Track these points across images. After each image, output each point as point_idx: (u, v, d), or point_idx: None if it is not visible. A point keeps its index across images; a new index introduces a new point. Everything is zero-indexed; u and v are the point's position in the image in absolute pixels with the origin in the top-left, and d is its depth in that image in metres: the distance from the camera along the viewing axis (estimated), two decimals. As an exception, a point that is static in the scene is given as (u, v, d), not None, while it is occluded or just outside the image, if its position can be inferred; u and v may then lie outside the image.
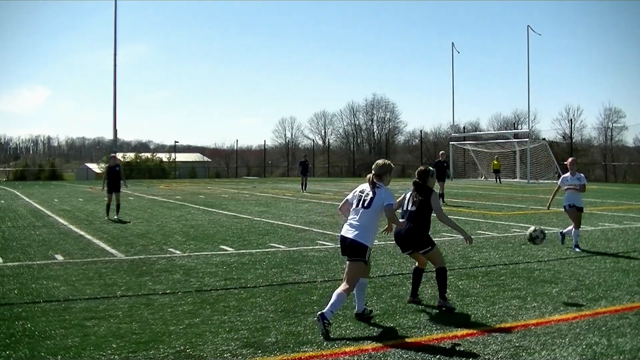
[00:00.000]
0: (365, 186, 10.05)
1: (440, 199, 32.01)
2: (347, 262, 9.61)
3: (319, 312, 8.95)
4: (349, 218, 9.92)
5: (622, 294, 11.51)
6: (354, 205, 9.91)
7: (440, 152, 36.82)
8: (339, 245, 10.04)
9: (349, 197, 10.14)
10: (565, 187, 17.49)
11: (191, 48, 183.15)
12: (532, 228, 13.72)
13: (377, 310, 10.17)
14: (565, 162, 18.33)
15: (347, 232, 9.70)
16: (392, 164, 10.38)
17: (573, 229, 16.99)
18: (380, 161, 10.30)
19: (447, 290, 10.64)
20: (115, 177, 25.48)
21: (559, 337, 8.77)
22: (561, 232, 17.69)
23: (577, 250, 16.54)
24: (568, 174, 17.61)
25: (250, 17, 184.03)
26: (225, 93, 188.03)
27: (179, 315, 9.85)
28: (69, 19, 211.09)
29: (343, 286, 9.40)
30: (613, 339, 8.65)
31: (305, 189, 44.86)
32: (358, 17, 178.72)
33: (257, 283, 12.35)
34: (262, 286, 12.07)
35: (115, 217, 24.73)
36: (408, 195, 10.82)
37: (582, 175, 17.62)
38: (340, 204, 10.33)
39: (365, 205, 9.77)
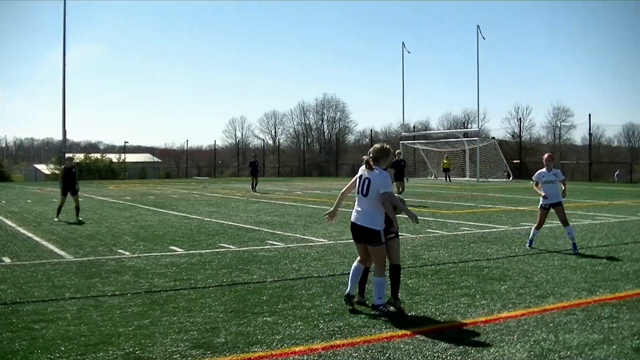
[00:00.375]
0: (363, 170, 10.45)
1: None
2: (369, 247, 10.23)
3: (372, 304, 10.17)
4: (355, 204, 10.42)
5: (569, 291, 11.64)
6: (357, 192, 10.44)
7: (397, 151, 36.78)
8: (350, 231, 10.59)
9: (350, 183, 10.85)
10: (542, 183, 16.99)
11: (141, 48, 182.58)
12: None
13: (326, 310, 10.18)
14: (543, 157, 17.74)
15: (356, 219, 10.31)
16: (390, 149, 10.65)
17: (564, 227, 16.70)
18: (377, 145, 10.61)
19: (404, 288, 10.67)
20: (71, 178, 25.27)
21: (507, 334, 8.84)
22: (530, 241, 17.06)
23: (576, 250, 16.12)
24: (544, 169, 17.16)
25: (200, 17, 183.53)
26: (175, 93, 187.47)
27: (128, 316, 9.78)
28: (18, 18, 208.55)
29: (375, 272, 10.23)
30: (561, 335, 8.75)
31: (255, 189, 44.62)
32: (308, 16, 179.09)
33: (207, 283, 12.31)
34: (211, 287, 12.03)
35: (79, 219, 24.58)
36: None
37: (558, 170, 17.36)
38: (343, 189, 10.94)
39: (364, 193, 10.24)
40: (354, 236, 10.46)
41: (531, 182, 17.91)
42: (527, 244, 16.92)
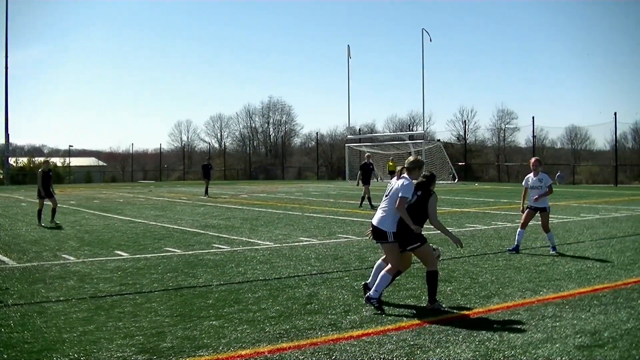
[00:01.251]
0: (394, 181, 11.12)
1: (367, 202, 31.96)
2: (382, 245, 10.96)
3: (366, 295, 10.57)
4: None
5: (514, 291, 11.77)
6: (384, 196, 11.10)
7: (366, 154, 36.68)
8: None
9: None
10: (529, 188, 17.01)
11: (85, 51, 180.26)
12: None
13: (273, 313, 10.18)
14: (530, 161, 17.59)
15: (374, 219, 10.98)
16: (423, 161, 11.46)
17: (546, 234, 16.76)
18: (411, 157, 11.39)
19: (350, 290, 10.72)
20: (48, 181, 25.10)
21: (453, 334, 8.93)
22: (516, 247, 16.63)
23: (553, 252, 16.20)
24: (531, 174, 17.01)
25: (143, 19, 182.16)
26: (120, 96, 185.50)
27: (73, 322, 9.70)
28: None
29: (387, 268, 10.67)
30: (505, 335, 8.85)
31: (207, 193, 43.49)
32: (254, 18, 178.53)
33: (153, 288, 12.25)
34: (157, 291, 11.98)
35: (55, 222, 24.55)
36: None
37: (545, 175, 17.01)
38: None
39: (387, 194, 10.93)
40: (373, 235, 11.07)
41: (476, 185, 18.13)
42: (511, 248, 16.63)
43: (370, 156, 35.29)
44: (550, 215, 17.05)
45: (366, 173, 33.03)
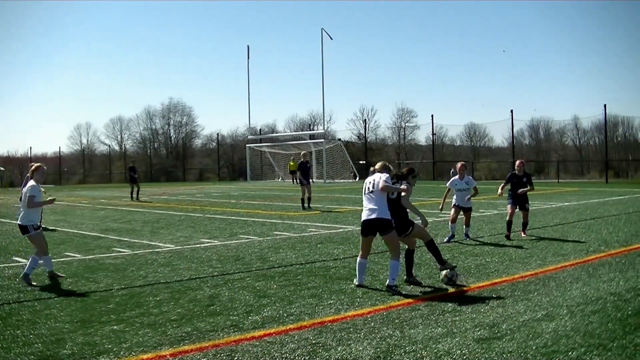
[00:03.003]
0: (369, 178, 12.22)
1: (307, 203, 31.12)
2: (382, 238, 12.10)
3: (387, 285, 11.67)
4: (364, 206, 12.08)
5: (414, 287, 11.96)
6: (364, 194, 12.13)
7: (302, 152, 36.15)
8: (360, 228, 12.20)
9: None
10: (456, 190, 18.73)
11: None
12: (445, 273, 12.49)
13: (174, 316, 10.13)
14: (455, 165, 19.28)
15: (371, 215, 11.87)
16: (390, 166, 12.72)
17: (464, 226, 18.65)
18: (379, 163, 12.63)
19: (251, 291, 10.72)
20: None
21: (354, 332, 9.00)
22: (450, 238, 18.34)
23: (468, 238, 18.38)
24: (457, 177, 18.66)
25: (39, 19, 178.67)
26: (16, 98, 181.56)
27: (-31, 331, 9.49)
28: None
29: (392, 257, 11.87)
30: (406, 331, 8.97)
31: (137, 197, 41.55)
32: (153, 18, 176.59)
33: (52, 294, 12.06)
34: (57, 297, 11.80)
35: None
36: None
37: (470, 178, 18.80)
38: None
39: (371, 190, 11.98)
40: (366, 231, 12.07)
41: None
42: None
43: (307, 154, 34.60)
44: (450, 212, 17.78)
45: (304, 172, 32.07)
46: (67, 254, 16.98)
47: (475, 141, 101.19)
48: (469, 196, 18.61)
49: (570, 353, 7.75)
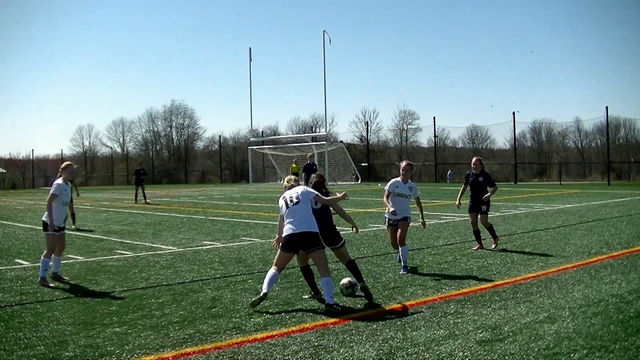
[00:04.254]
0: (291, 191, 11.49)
1: None
2: (309, 254, 11.14)
3: (325, 304, 10.55)
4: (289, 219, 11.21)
5: (416, 289, 11.93)
6: (287, 206, 11.33)
7: (309, 154, 35.87)
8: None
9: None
10: (394, 194, 14.67)
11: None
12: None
13: (176, 318, 10.13)
14: (399, 164, 15.36)
15: (306, 227, 11.08)
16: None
17: (400, 246, 14.25)
18: (315, 175, 12.69)
19: (254, 293, 10.73)
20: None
21: (357, 334, 9.00)
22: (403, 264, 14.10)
23: (403, 272, 13.77)
24: (399, 178, 14.83)
25: (41, 21, 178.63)
26: (19, 100, 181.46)
27: (-29, 334, 9.49)
28: None
29: (322, 275, 10.82)
30: (408, 333, 8.97)
31: (141, 199, 40.85)
32: (156, 21, 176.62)
33: (54, 296, 12.07)
34: (59, 299, 11.80)
35: (73, 226, 24.52)
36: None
37: (414, 185, 14.94)
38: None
39: (296, 202, 11.26)
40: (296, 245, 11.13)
41: (379, 185, 17.88)
42: (402, 270, 13.87)
43: (312, 156, 34.25)
44: (452, 214, 17.16)
45: (310, 174, 30.37)
46: (69, 256, 16.96)
47: (477, 143, 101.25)
48: (403, 205, 14.58)
49: (572, 355, 7.75)
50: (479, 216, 17.12)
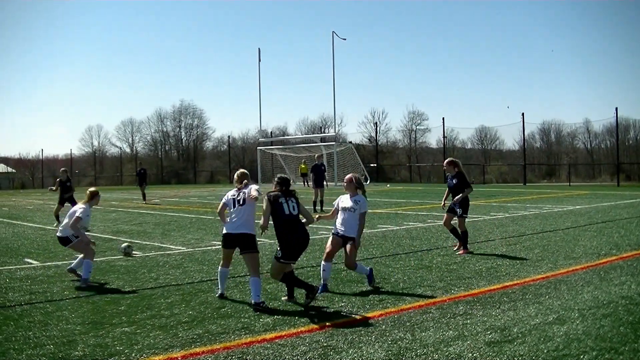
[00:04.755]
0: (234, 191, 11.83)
1: (319, 206, 30.57)
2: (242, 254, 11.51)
3: (253, 303, 10.76)
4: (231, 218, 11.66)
5: (425, 290, 11.92)
6: (234, 206, 11.66)
7: (317, 155, 35.80)
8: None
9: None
10: (340, 208, 12.77)
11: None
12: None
13: (185, 318, 10.14)
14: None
15: (240, 227, 11.52)
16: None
17: (352, 269, 12.49)
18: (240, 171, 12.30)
19: (263, 293, 10.76)
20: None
21: (365, 334, 8.99)
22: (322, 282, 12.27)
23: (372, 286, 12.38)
24: (346, 195, 12.88)
25: (51, 20, 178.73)
26: (28, 100, 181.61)
27: (-19, 333, 9.51)
28: None
29: (252, 274, 11.16)
30: (417, 334, 8.95)
31: (150, 199, 41.71)
32: (164, 21, 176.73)
33: (64, 296, 12.09)
34: (68, 299, 11.82)
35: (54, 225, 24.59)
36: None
37: (363, 199, 12.70)
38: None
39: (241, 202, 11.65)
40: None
41: (388, 186, 17.84)
42: (319, 289, 11.80)
43: (321, 157, 34.18)
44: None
45: (318, 175, 31.67)
46: (78, 256, 16.92)
47: (486, 144, 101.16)
48: (347, 223, 12.48)
49: (581, 357, 7.73)
50: (455, 218, 17.02)
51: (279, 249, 11.11)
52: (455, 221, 17.01)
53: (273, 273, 11.36)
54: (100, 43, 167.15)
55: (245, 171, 12.19)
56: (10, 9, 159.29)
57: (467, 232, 16.85)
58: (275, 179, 11.95)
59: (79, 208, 13.71)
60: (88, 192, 14.29)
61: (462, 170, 17.04)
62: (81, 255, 13.66)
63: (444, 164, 17.45)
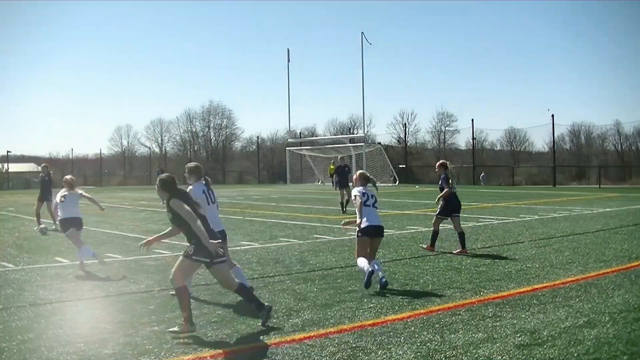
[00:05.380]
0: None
1: (346, 207, 30.18)
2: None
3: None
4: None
5: (454, 292, 11.87)
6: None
7: (340, 156, 36.03)
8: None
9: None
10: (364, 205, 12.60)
11: (21, 52, 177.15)
12: None
13: (214, 317, 10.16)
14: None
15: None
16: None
17: (370, 261, 12.30)
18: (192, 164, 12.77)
19: (291, 294, 10.74)
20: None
21: (394, 336, 8.98)
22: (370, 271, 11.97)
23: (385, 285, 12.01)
24: (361, 187, 12.94)
25: (82, 23, 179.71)
26: (59, 100, 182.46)
27: (12, 331, 9.56)
28: None
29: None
30: (446, 336, 8.93)
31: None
32: (192, 21, 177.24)
33: (94, 294, 12.16)
34: (98, 297, 11.89)
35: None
36: None
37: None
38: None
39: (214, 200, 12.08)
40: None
41: (417, 187, 17.88)
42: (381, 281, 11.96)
43: (344, 158, 34.39)
44: (490, 216, 17.01)
45: (342, 176, 31.71)
46: (108, 254, 17.08)
47: (516, 146, 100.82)
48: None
49: (612, 360, 7.70)
50: (450, 219, 17.40)
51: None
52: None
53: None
54: (131, 44, 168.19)
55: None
56: (48, 9, 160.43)
57: (437, 232, 17.26)
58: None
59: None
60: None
61: (448, 173, 17.20)
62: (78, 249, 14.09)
63: (437, 165, 17.87)
